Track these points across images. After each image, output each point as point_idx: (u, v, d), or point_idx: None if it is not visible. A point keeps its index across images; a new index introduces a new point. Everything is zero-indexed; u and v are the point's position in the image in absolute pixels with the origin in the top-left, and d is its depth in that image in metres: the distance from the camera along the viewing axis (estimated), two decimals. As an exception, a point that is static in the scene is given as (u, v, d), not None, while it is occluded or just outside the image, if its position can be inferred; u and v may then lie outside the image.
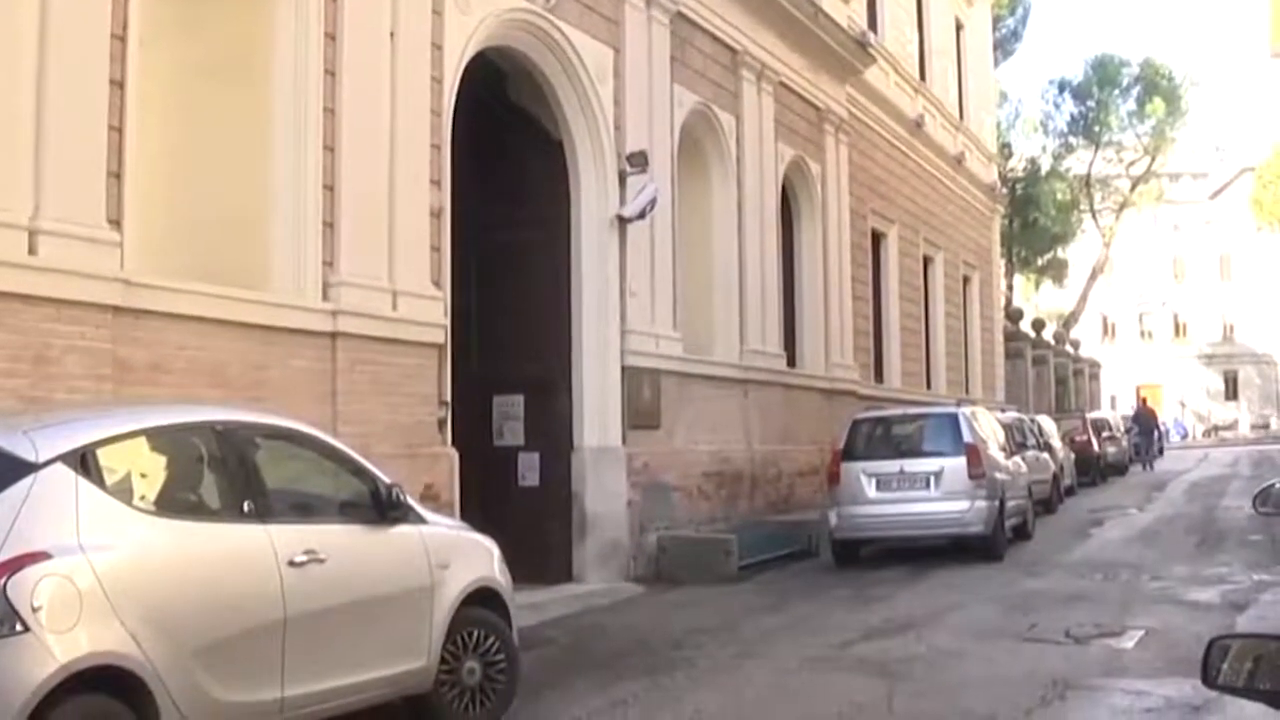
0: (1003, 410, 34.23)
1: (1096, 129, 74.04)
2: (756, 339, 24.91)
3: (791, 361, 27.07)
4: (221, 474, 8.77)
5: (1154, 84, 73.54)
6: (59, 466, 7.58)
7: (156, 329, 12.07)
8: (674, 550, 20.30)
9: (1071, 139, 75.20)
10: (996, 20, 55.69)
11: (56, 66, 11.17)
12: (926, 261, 38.44)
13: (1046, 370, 54.89)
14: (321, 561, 8.82)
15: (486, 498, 17.50)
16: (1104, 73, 74.08)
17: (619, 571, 19.54)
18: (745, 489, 24.02)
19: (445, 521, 11.26)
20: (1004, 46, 62.29)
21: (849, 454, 21.65)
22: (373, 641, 9.37)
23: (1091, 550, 22.46)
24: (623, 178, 20.22)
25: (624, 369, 20.11)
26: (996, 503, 21.15)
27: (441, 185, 16.50)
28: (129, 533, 7.76)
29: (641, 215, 20.17)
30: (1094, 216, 77.85)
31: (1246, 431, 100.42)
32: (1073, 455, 37.60)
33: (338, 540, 9.23)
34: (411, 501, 10.20)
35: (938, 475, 20.88)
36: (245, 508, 8.63)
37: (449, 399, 16.27)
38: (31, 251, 10.88)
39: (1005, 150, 63.98)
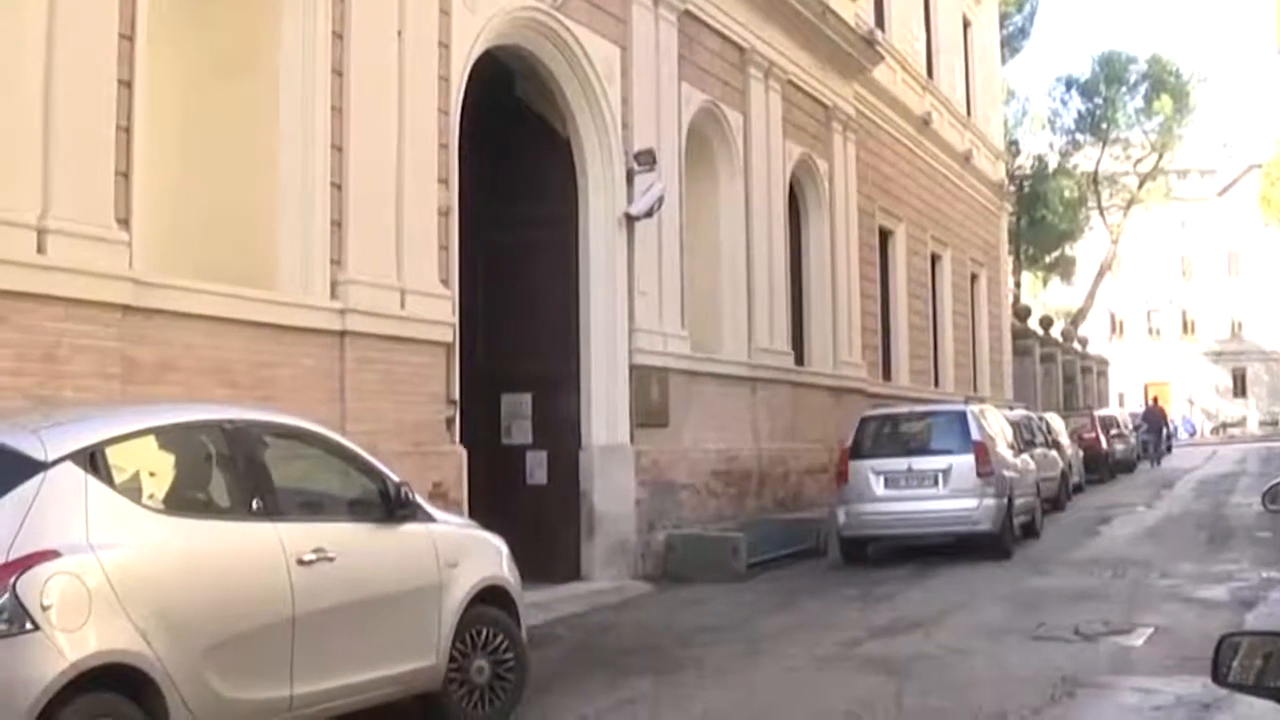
0: (1011, 408, 34.22)
1: (1104, 126, 74.01)
2: (764, 337, 24.90)
3: (799, 359, 27.06)
4: (230, 472, 8.78)
5: (1161, 81, 73.50)
6: (68, 465, 7.58)
7: (165, 328, 12.08)
8: (682, 548, 20.29)
9: (1079, 136, 75.17)
10: (1004, 17, 55.66)
11: (64, 66, 11.17)
12: (934, 259, 38.41)
13: (1054, 368, 54.84)
14: (330, 560, 8.83)
15: (495, 496, 17.49)
16: (1111, 70, 74.05)
17: (627, 570, 19.54)
18: (753, 487, 24.02)
19: (454, 520, 11.26)
20: (1011, 44, 62.25)
21: (857, 452, 21.65)
22: (381, 640, 9.37)
23: (1100, 548, 22.45)
24: (630, 176, 20.22)
25: (632, 367, 20.11)
26: (1005, 500, 21.15)
27: (449, 184, 16.50)
28: (138, 531, 7.77)
29: (649, 213, 20.16)
30: (1101, 214, 77.75)
31: (1255, 429, 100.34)
32: (1081, 453, 37.60)
33: (346, 538, 9.24)
34: (420, 500, 10.21)
35: (946, 473, 20.88)
36: (254, 506, 8.63)
37: (457, 397, 16.28)
38: (40, 251, 10.89)
39: (1013, 148, 64.01)
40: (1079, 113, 75.07)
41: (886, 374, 33.34)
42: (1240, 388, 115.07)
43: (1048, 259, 75.62)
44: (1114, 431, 44.84)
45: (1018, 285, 68.68)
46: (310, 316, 14.00)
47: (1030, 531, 23.56)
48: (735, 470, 23.41)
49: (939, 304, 38.85)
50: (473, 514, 14.14)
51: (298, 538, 8.72)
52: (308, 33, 14.27)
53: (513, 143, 19.87)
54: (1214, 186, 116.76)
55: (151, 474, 8.25)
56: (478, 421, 17.79)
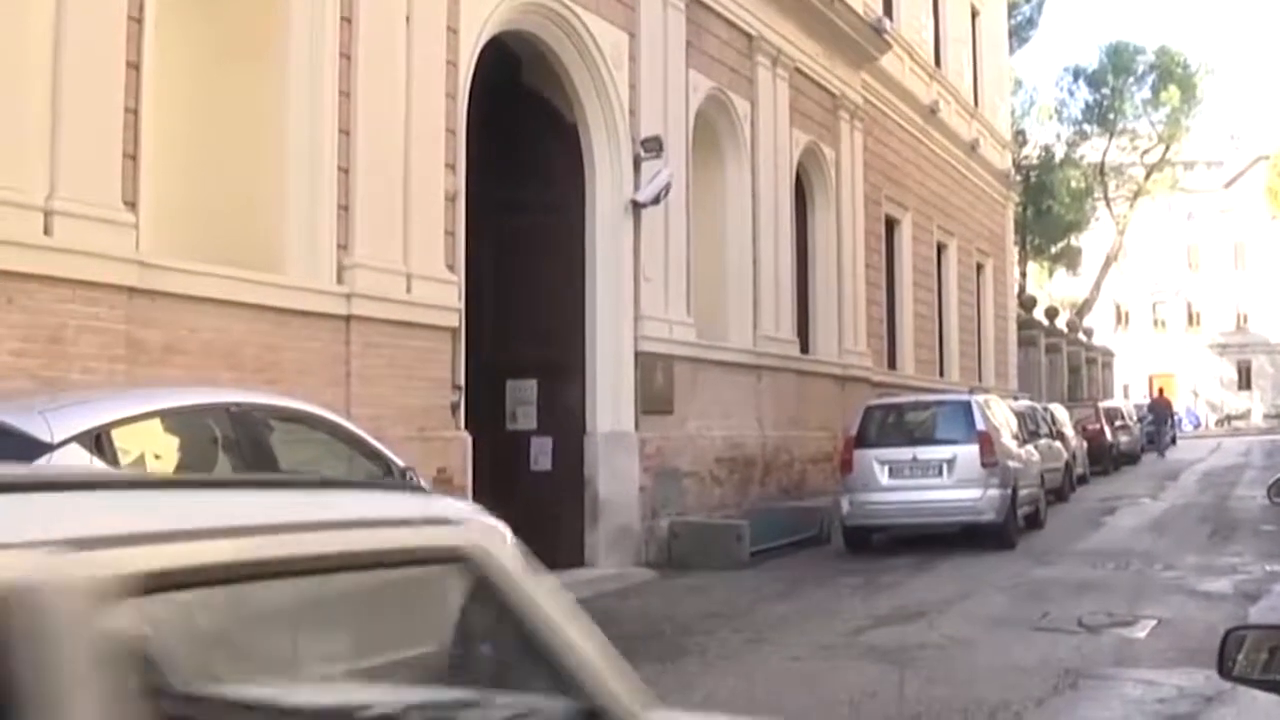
0: (1015, 398, 34.19)
1: (1111, 116, 73.86)
2: (770, 325, 24.89)
3: (805, 348, 27.06)
4: (235, 455, 8.78)
5: (1169, 72, 73.33)
6: (73, 447, 7.59)
7: (171, 310, 12.08)
8: (686, 536, 20.30)
9: (1086, 126, 75.00)
10: (1012, 7, 55.56)
11: (72, 48, 11.17)
12: (940, 248, 38.38)
13: (1059, 358, 54.82)
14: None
15: (499, 482, 17.48)
16: (1119, 60, 73.88)
17: (630, 557, 19.55)
18: (757, 475, 24.02)
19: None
20: (1019, 33, 62.10)
21: (861, 441, 21.65)
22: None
23: (1104, 539, 22.45)
24: (637, 162, 20.21)
25: (637, 354, 20.11)
26: (1009, 491, 21.15)
27: (456, 169, 16.50)
28: (143, 514, 7.76)
29: (656, 200, 20.15)
30: (1108, 204, 77.63)
31: (1260, 421, 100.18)
32: (1085, 444, 37.57)
33: (351, 523, 9.22)
34: (425, 485, 10.21)
35: (950, 463, 20.88)
36: (259, 490, 8.62)
37: (462, 383, 16.28)
38: (47, 232, 10.90)
39: (1019, 137, 63.83)
40: (1086, 103, 74.94)
41: (891, 363, 33.33)
42: (1245, 380, 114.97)
43: (1054, 249, 75.48)
44: (1118, 423, 44.82)
45: (1023, 275, 68.53)
46: (316, 300, 14.00)
47: (1034, 522, 23.55)
48: (739, 458, 23.41)
49: (944, 293, 38.83)
50: (477, 500, 14.11)
51: (302, 521, 8.71)
52: (316, 17, 14.26)
53: (519, 128, 19.86)
54: (1221, 178, 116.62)
55: (157, 456, 8.26)
56: (483, 407, 17.80)
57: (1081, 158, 73.70)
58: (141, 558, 2.21)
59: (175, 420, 8.60)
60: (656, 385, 20.58)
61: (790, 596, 17.02)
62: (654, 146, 20.25)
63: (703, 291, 22.78)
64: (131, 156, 11.92)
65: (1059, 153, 71.66)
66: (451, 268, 16.26)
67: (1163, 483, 35.95)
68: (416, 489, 9.93)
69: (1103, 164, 75.31)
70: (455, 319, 16.13)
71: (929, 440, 21.68)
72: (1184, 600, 15.46)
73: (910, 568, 19.14)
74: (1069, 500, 29.91)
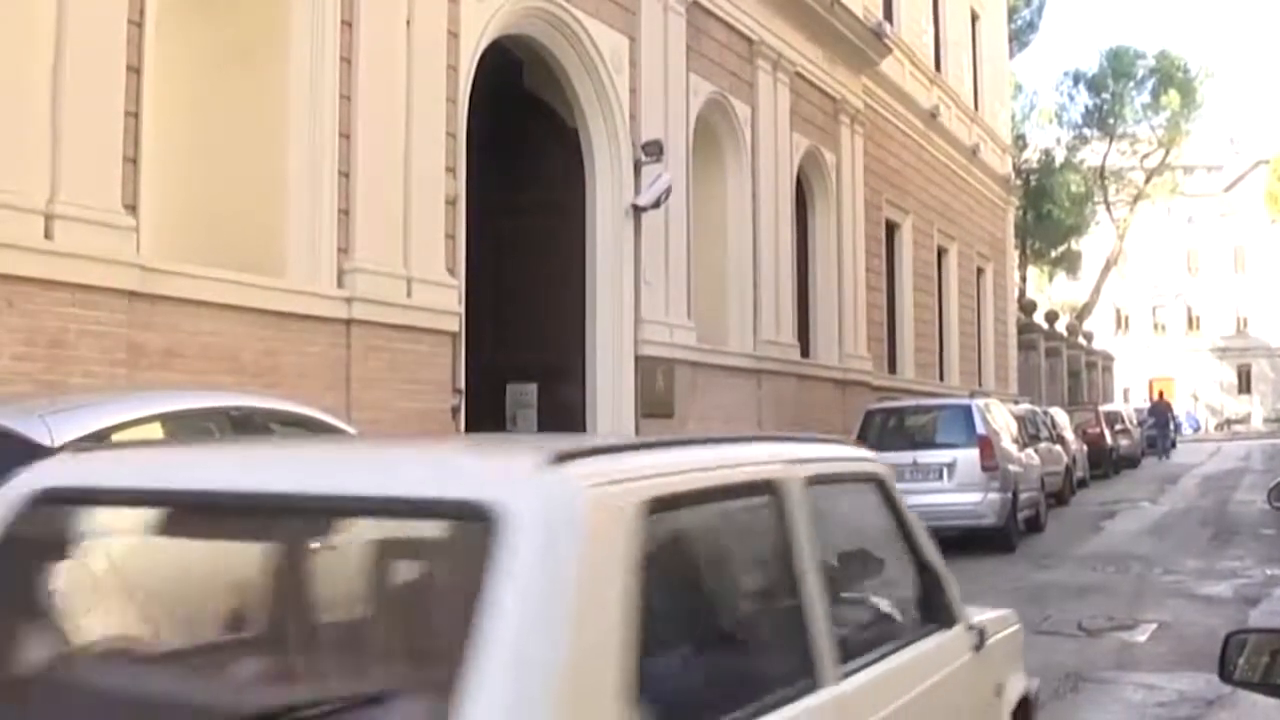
0: (1016, 402, 34.18)
1: (1111, 121, 73.86)
2: (770, 329, 24.90)
3: (805, 352, 27.06)
4: (236, 460, 8.78)
5: (1169, 76, 73.33)
6: (74, 451, 7.58)
7: (171, 314, 12.08)
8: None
9: (1086, 131, 75.00)
10: (1012, 11, 55.59)
11: (73, 52, 11.17)
12: (940, 253, 38.39)
13: (1059, 362, 54.81)
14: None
15: (499, 486, 17.47)
16: (1119, 64, 73.88)
17: (631, 560, 19.52)
18: (757, 479, 23.97)
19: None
20: (1019, 38, 62.16)
21: (862, 444, 21.61)
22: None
23: (1104, 543, 22.45)
24: (638, 166, 20.22)
25: (638, 358, 20.11)
26: (1009, 494, 21.15)
27: (456, 173, 16.51)
28: (144, 518, 7.76)
29: (656, 204, 20.16)
30: (1108, 209, 77.65)
31: (1260, 425, 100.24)
32: (1085, 447, 37.55)
33: (351, 527, 9.22)
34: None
35: (951, 467, 20.87)
36: (259, 493, 8.62)
37: (463, 386, 16.28)
38: (48, 236, 10.90)
39: (1020, 142, 63.90)
40: (1086, 107, 74.92)
41: (892, 367, 33.33)
42: (1245, 384, 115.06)
43: (1054, 253, 75.48)
44: (1118, 427, 44.78)
45: (1023, 279, 68.55)
46: (317, 304, 14.00)
47: (1034, 526, 23.55)
48: (740, 462, 23.35)
49: (945, 298, 38.84)
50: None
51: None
52: (317, 20, 14.26)
53: (520, 132, 19.88)
54: (1221, 182, 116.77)
55: (158, 460, 8.25)
56: (483, 411, 17.80)
57: (1081, 162, 73.71)
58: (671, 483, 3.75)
59: (176, 424, 8.57)
60: (657, 389, 20.58)
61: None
62: (654, 150, 20.26)
63: (703, 295, 22.79)
64: (132, 160, 11.93)
65: (1059, 157, 71.65)
66: (452, 271, 16.27)
67: (1163, 486, 35.95)
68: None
69: (1103, 168, 75.31)
70: (456, 323, 16.13)
71: (929, 444, 21.68)
72: (1184, 604, 15.47)
73: (910, 572, 19.09)
74: (1069, 504, 29.89)
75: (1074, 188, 70.66)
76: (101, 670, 3.84)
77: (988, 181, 43.72)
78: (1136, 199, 79.48)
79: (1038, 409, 33.07)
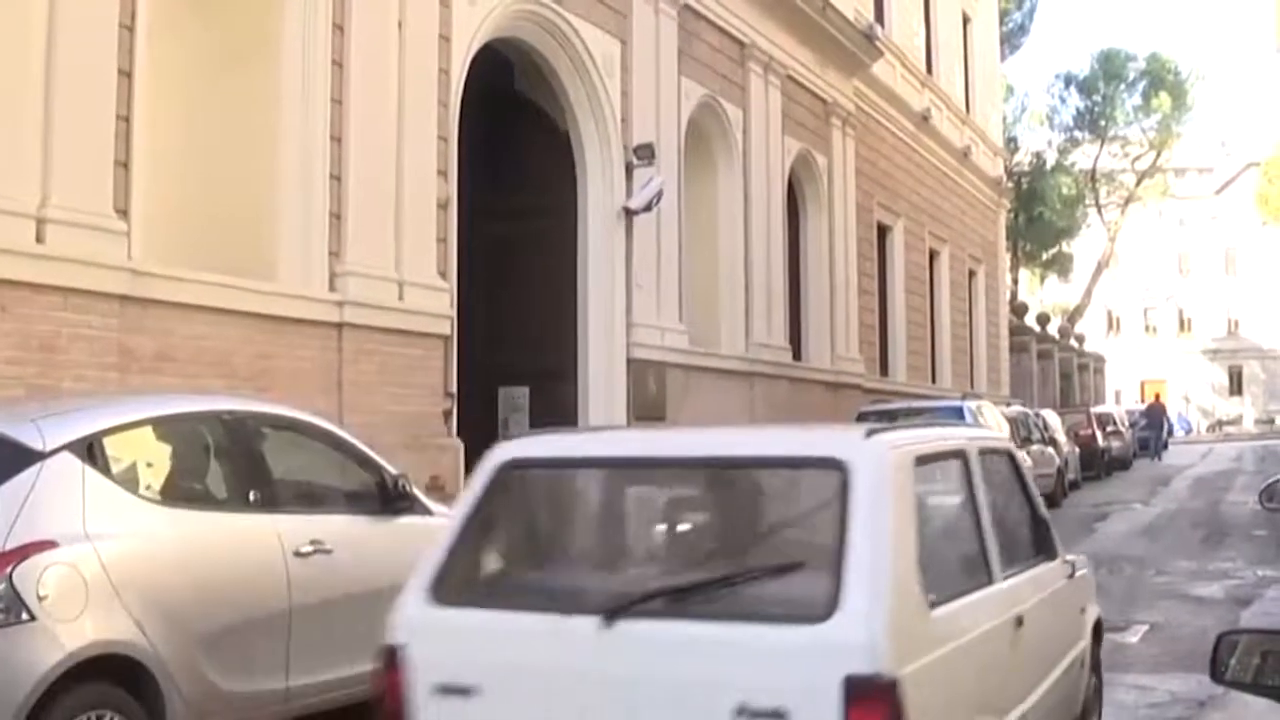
0: (1008, 404, 34.19)
1: (1102, 123, 73.98)
2: (762, 332, 24.92)
3: (797, 354, 27.09)
4: (227, 463, 8.78)
5: (1160, 78, 73.45)
6: (65, 455, 7.57)
7: (163, 318, 12.09)
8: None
9: (1077, 133, 75.16)
10: (1003, 14, 55.65)
11: (65, 56, 11.18)
12: (932, 255, 38.42)
13: (1051, 365, 54.86)
14: (327, 552, 8.81)
15: (491, 489, 17.48)
16: (1110, 67, 74.01)
17: (623, 563, 19.52)
18: (750, 482, 23.97)
19: (451, 513, 11.26)
20: (1011, 40, 62.19)
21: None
22: (378, 632, 9.36)
23: (1096, 544, 22.41)
24: (629, 170, 20.24)
25: (629, 361, 20.12)
26: (1001, 497, 21.16)
27: (448, 176, 16.52)
28: (135, 522, 7.76)
29: (648, 207, 20.17)
30: (1099, 211, 77.76)
31: (1251, 427, 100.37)
32: (1077, 449, 37.55)
33: (343, 531, 9.22)
34: (417, 492, 10.19)
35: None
36: (251, 497, 8.63)
37: (455, 390, 16.28)
38: (39, 240, 10.91)
39: (1011, 144, 63.95)
40: (1078, 110, 75.09)
41: (884, 369, 33.36)
42: (1236, 386, 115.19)
43: (1045, 256, 75.62)
44: (1110, 428, 44.76)
45: (1015, 282, 68.66)
46: (308, 308, 14.01)
47: (1026, 528, 23.52)
48: (732, 465, 23.35)
49: (937, 300, 38.88)
50: (469, 507, 14.15)
51: (295, 530, 8.71)
52: (309, 24, 14.28)
53: (512, 136, 19.87)
54: (1212, 185, 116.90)
55: (149, 464, 8.25)
56: (475, 414, 17.78)
57: (1073, 164, 73.76)
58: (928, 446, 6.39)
59: (167, 428, 8.57)
60: (649, 392, 20.59)
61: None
62: (646, 154, 20.28)
63: (695, 298, 22.80)
64: (124, 164, 11.93)
65: (1050, 159, 71.75)
66: (444, 275, 16.27)
67: (1155, 488, 35.95)
68: (410, 497, 9.96)
69: (1094, 170, 75.44)
70: (447, 326, 16.14)
71: (921, 447, 21.61)
72: (1176, 605, 15.46)
73: (902, 574, 19.09)
74: (1061, 506, 29.84)
75: (1065, 190, 70.72)
76: (572, 567, 6.69)
77: (979, 184, 43.76)
78: (1128, 201, 79.61)
79: (1029, 411, 33.10)
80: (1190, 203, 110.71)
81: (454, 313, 16.33)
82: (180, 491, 8.41)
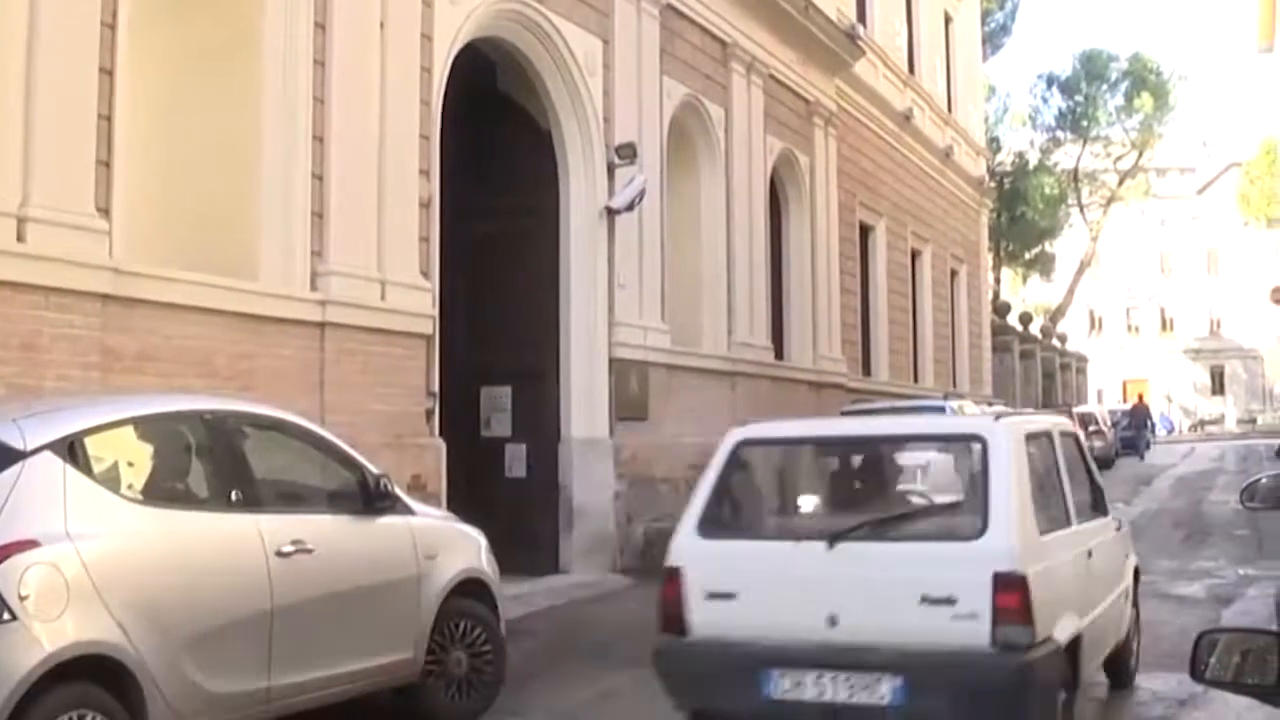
0: (990, 404, 34.23)
1: (1084, 123, 74.16)
2: (744, 331, 24.92)
3: (779, 354, 27.09)
4: (209, 463, 8.78)
5: (1142, 79, 73.63)
6: (47, 455, 7.57)
7: (145, 317, 12.06)
8: (661, 542, 19.96)
9: (1059, 133, 75.36)
10: (985, 14, 55.69)
11: (46, 54, 11.16)
12: (914, 255, 38.44)
13: (1033, 364, 54.94)
14: (309, 552, 8.82)
15: (474, 489, 17.49)
16: (1092, 67, 74.19)
17: (606, 563, 19.55)
18: (732, 481, 23.96)
19: (433, 512, 11.29)
20: (993, 40, 62.30)
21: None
22: (360, 632, 9.37)
23: (1078, 544, 22.45)
24: (611, 169, 20.22)
25: (612, 360, 20.12)
26: (983, 495, 21.26)
27: (430, 175, 16.50)
28: (117, 521, 7.76)
29: (630, 207, 20.16)
30: (1081, 211, 77.97)
31: (1233, 426, 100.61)
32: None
33: (325, 530, 9.24)
34: (399, 492, 10.21)
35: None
36: (233, 497, 8.64)
37: (437, 390, 16.27)
38: (20, 239, 10.87)
39: (994, 144, 64.07)
40: (1060, 110, 75.26)
41: (866, 369, 33.37)
42: (1218, 385, 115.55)
43: (1028, 255, 75.77)
44: (1092, 428, 44.87)
45: (997, 281, 68.79)
46: (290, 307, 13.98)
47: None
48: (714, 464, 23.34)
49: (919, 300, 38.89)
50: (451, 507, 14.18)
51: (277, 529, 8.72)
52: (290, 23, 14.25)
53: (494, 135, 19.85)
54: (1193, 184, 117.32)
55: (130, 464, 8.24)
56: (457, 414, 17.79)
57: (1055, 164, 73.94)
58: (1032, 427, 9.72)
59: (149, 428, 8.57)
60: (631, 392, 20.59)
61: (765, 602, 17.02)
62: (628, 153, 20.28)
63: (677, 298, 22.79)
64: (105, 163, 11.91)
65: (1033, 159, 71.93)
66: (426, 274, 16.26)
67: (1137, 487, 36.06)
68: (392, 496, 9.96)
69: (1076, 170, 75.64)
70: (430, 326, 16.13)
71: (904, 446, 21.67)
72: (1157, 604, 15.48)
73: (885, 573, 19.12)
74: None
75: (1048, 190, 70.87)
76: (796, 509, 10.16)
77: (961, 184, 43.79)
78: (1110, 201, 79.86)
79: (1012, 410, 33.12)
80: (1172, 203, 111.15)
81: (436, 312, 16.31)
82: (162, 491, 8.42)
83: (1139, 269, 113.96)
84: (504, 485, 19.35)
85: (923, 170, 39.22)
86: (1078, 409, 47.69)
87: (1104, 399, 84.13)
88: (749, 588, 8.64)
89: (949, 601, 7.96)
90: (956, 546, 8.30)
